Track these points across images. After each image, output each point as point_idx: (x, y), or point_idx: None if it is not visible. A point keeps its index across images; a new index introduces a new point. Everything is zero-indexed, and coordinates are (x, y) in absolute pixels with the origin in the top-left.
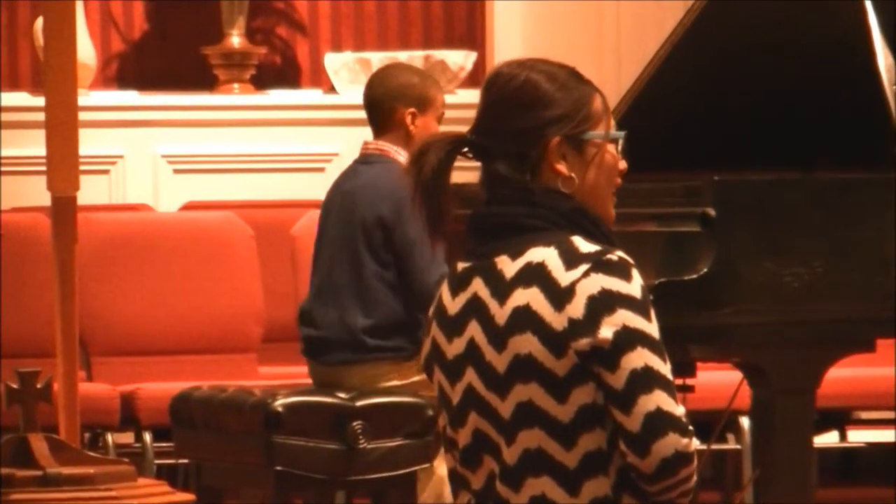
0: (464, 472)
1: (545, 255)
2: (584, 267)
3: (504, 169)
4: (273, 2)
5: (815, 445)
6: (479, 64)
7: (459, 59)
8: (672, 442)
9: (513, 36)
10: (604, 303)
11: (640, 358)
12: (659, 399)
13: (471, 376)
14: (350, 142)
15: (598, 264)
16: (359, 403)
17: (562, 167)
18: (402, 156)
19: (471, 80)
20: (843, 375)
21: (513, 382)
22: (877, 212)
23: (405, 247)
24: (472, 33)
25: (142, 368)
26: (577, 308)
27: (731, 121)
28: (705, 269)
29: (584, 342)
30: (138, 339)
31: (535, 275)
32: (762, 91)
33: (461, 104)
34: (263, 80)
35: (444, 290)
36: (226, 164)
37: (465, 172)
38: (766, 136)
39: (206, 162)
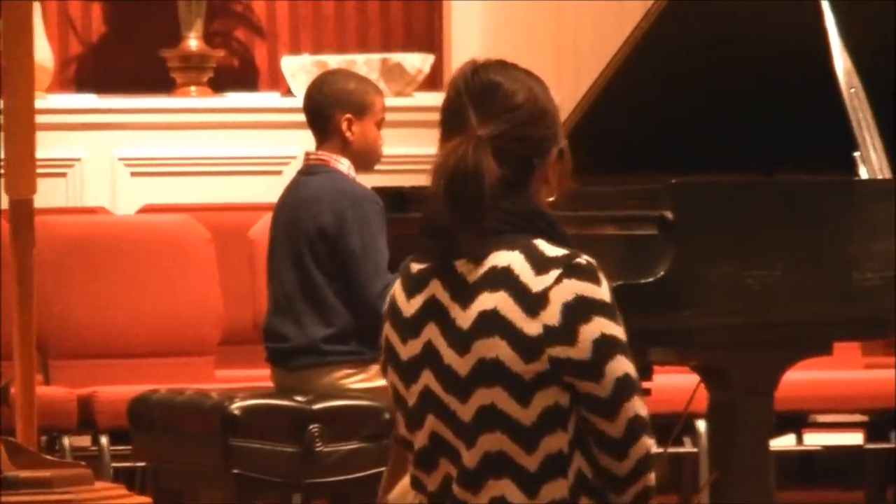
0: (419, 473)
1: (510, 258)
2: (555, 272)
3: (504, 176)
4: (231, 4)
5: (772, 448)
6: (437, 67)
7: (417, 62)
8: (646, 444)
9: (471, 39)
10: (580, 310)
11: (620, 366)
12: (637, 404)
13: (428, 378)
14: (307, 145)
15: (570, 269)
16: (316, 406)
17: (553, 177)
18: (341, 164)
19: (429, 83)
20: (801, 378)
21: (475, 386)
22: (836, 215)
23: (347, 258)
24: (430, 36)
25: (99, 371)
26: (552, 315)
27: (691, 124)
28: (663, 273)
29: (560, 350)
30: (96, 342)
31: (502, 279)
32: (721, 94)
33: (419, 107)
34: (221, 82)
35: (399, 292)
36: (183, 166)
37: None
38: (725, 140)
39: (163, 165)
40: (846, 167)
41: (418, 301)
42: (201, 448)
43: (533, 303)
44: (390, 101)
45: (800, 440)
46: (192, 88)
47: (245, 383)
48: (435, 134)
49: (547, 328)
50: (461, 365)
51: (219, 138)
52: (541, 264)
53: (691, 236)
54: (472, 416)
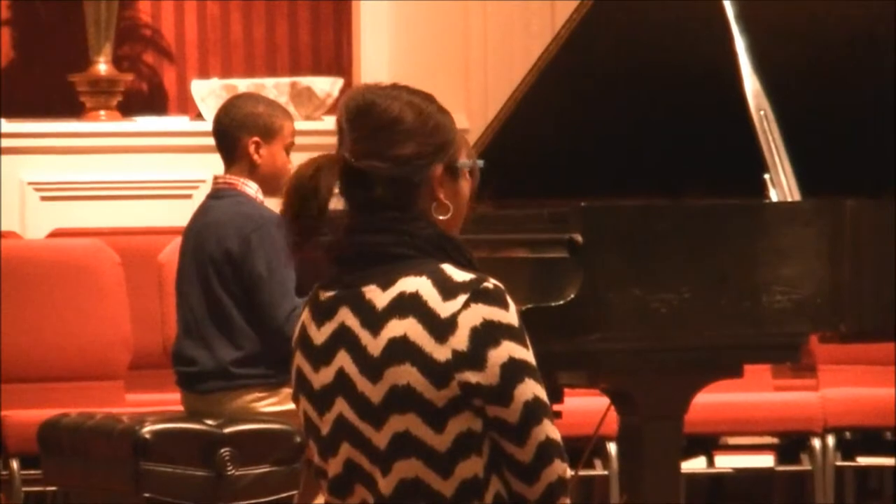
0: (334, 501)
1: (418, 284)
2: (462, 297)
3: (383, 196)
4: (140, 29)
5: (683, 471)
6: (347, 90)
7: (326, 86)
8: (558, 469)
9: (380, 62)
10: (488, 335)
11: (528, 389)
12: (547, 428)
13: (341, 406)
14: (217, 169)
15: (477, 294)
16: (227, 430)
17: (442, 195)
18: (248, 187)
19: (338, 107)
20: (711, 401)
21: (389, 413)
22: (744, 238)
23: (253, 281)
24: (338, 60)
25: (8, 395)
26: (460, 340)
27: (600, 147)
28: (573, 296)
29: (469, 375)
30: (5, 366)
31: (411, 305)
32: (631, 117)
33: (328, 131)
34: (130, 106)
35: (308, 320)
36: (93, 190)
37: None
38: (635, 163)
39: (73, 189)
40: (754, 190)
41: (328, 329)
42: (112, 472)
43: (442, 328)
44: (300, 125)
45: (710, 463)
46: (102, 112)
47: (155, 407)
48: None
49: (456, 353)
50: (374, 392)
51: (128, 162)
52: (448, 290)
53: (599, 260)
54: (387, 443)
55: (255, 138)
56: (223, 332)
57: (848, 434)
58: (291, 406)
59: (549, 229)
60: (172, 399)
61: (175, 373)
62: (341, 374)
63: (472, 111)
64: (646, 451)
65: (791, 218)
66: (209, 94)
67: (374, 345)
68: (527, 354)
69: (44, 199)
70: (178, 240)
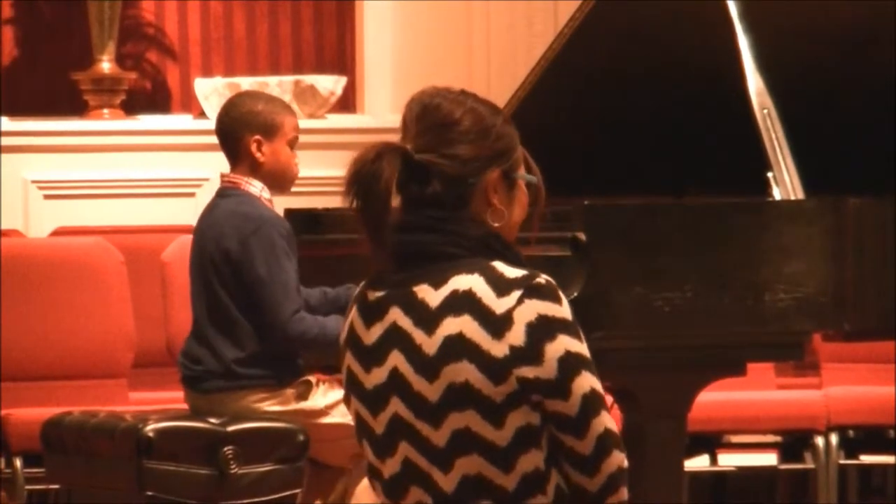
0: (388, 502)
1: (471, 282)
2: (516, 293)
3: (437, 193)
4: (143, 27)
5: (686, 469)
6: (350, 89)
7: (329, 84)
8: (617, 459)
9: (382, 61)
10: (543, 330)
11: (585, 382)
12: (605, 419)
13: (396, 406)
14: (221, 167)
15: (530, 289)
16: (230, 428)
17: (496, 200)
18: (252, 186)
19: (341, 105)
20: (714, 399)
21: (447, 411)
22: (747, 236)
23: (255, 284)
24: (342, 58)
25: (12, 394)
26: (516, 336)
27: (603, 145)
28: (575, 294)
29: (526, 370)
30: (8, 365)
31: (465, 303)
32: (634, 115)
33: (332, 129)
34: (134, 105)
35: (357, 320)
36: (96, 189)
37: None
38: (638, 161)
39: (76, 187)
40: (757, 189)
41: (378, 329)
42: (115, 470)
43: (497, 325)
44: (303, 124)
45: (714, 461)
46: (105, 111)
47: (158, 405)
48: (347, 155)
49: (513, 349)
50: (431, 391)
51: (131, 161)
52: (502, 286)
53: (603, 258)
54: (447, 440)
55: (257, 136)
56: (224, 331)
57: (851, 432)
58: (294, 406)
59: (552, 227)
60: (175, 397)
61: (179, 370)
62: (395, 374)
63: None
64: (649, 449)
65: (794, 216)
66: (212, 92)
67: (429, 343)
68: (581, 347)
69: (47, 197)
70: (182, 238)
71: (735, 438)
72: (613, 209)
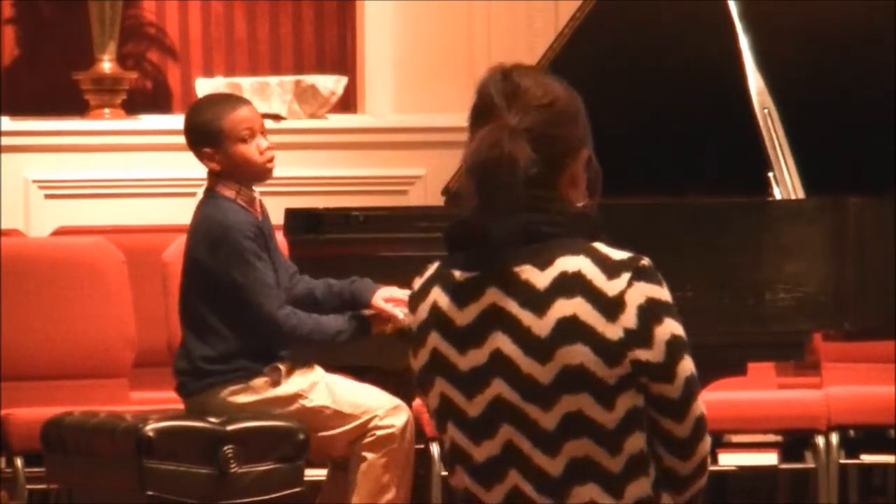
0: (476, 487)
1: (579, 264)
2: (626, 276)
3: (538, 173)
4: (144, 27)
5: None
6: (350, 89)
7: (330, 84)
8: (708, 444)
9: (383, 61)
10: (652, 313)
11: (688, 366)
12: (700, 404)
13: (500, 388)
14: None
15: (638, 272)
16: (230, 428)
17: (581, 181)
18: (227, 188)
19: (342, 105)
20: (715, 399)
21: (560, 393)
22: (748, 236)
23: (233, 290)
24: (343, 58)
25: (12, 393)
26: (629, 318)
27: (604, 145)
28: None
29: (639, 353)
30: (9, 364)
31: (575, 285)
32: (635, 115)
33: (332, 129)
34: (135, 104)
35: (444, 301)
36: (97, 188)
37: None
38: (639, 161)
39: (77, 187)
40: (758, 189)
41: (474, 309)
42: (115, 470)
43: (611, 307)
44: (304, 124)
45: (714, 460)
46: (106, 111)
47: (159, 405)
48: (348, 155)
49: (627, 332)
50: (542, 373)
51: (132, 160)
52: (610, 268)
53: None
54: (557, 423)
55: (205, 149)
56: (197, 334)
57: (852, 432)
58: (268, 394)
59: None
60: (176, 397)
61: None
62: (498, 356)
63: None
64: None
65: (795, 216)
66: (213, 92)
67: (540, 325)
68: (682, 331)
69: (48, 197)
70: (183, 238)
71: (736, 438)
72: (616, 209)
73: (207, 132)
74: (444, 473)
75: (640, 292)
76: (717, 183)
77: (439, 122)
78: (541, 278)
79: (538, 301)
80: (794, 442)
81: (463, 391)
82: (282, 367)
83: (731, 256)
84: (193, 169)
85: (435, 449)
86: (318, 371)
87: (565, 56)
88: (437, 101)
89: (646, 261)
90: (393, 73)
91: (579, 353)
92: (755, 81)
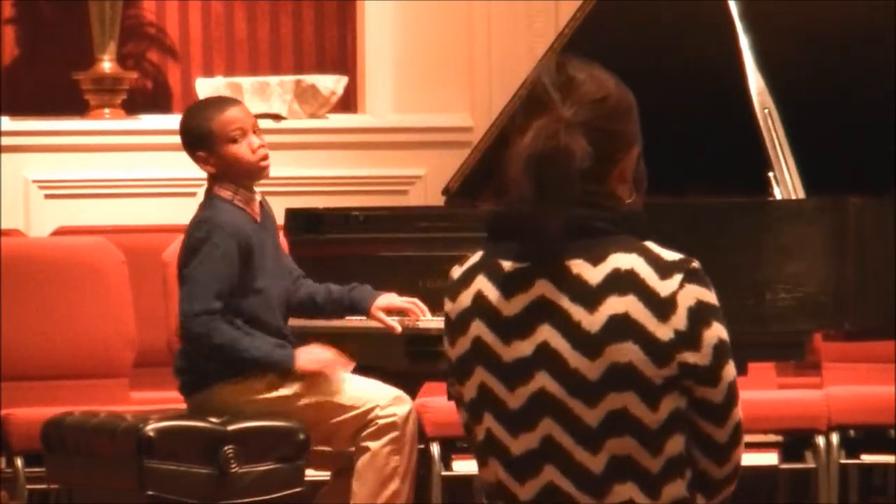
0: (510, 481)
1: (632, 262)
2: (678, 277)
3: (591, 168)
4: (144, 27)
5: None
6: (351, 88)
7: (330, 84)
8: (742, 450)
9: (384, 61)
10: (701, 315)
11: (731, 370)
12: (740, 409)
13: (544, 380)
14: None
15: (689, 274)
16: (230, 428)
17: (630, 177)
18: (224, 188)
19: (342, 105)
20: None
21: (607, 390)
22: (749, 236)
23: (181, 277)
24: (343, 58)
25: (12, 393)
26: (680, 320)
27: None
28: None
29: (688, 355)
30: (9, 364)
31: (628, 283)
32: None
33: (333, 129)
34: (135, 104)
35: (489, 289)
36: (97, 188)
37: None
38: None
39: (77, 187)
40: (758, 189)
41: (522, 300)
42: (116, 470)
43: (663, 308)
44: (304, 123)
45: None
46: (106, 110)
47: (159, 405)
48: (348, 155)
49: (677, 333)
50: (590, 369)
51: (132, 160)
52: (662, 268)
53: None
54: (601, 420)
55: (199, 153)
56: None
57: (852, 432)
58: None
59: None
60: (176, 397)
61: None
62: (545, 348)
63: (475, 109)
64: None
65: (795, 216)
66: (213, 92)
67: (591, 321)
68: (727, 334)
69: (48, 196)
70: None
71: None
72: None
73: (199, 135)
74: (445, 473)
75: (691, 294)
76: (717, 183)
77: (439, 122)
78: (593, 274)
79: (590, 296)
80: (795, 442)
81: (505, 382)
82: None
83: (731, 256)
84: (193, 169)
85: (435, 449)
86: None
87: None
88: (437, 101)
89: (696, 263)
90: (393, 73)
91: (629, 352)
92: (755, 81)
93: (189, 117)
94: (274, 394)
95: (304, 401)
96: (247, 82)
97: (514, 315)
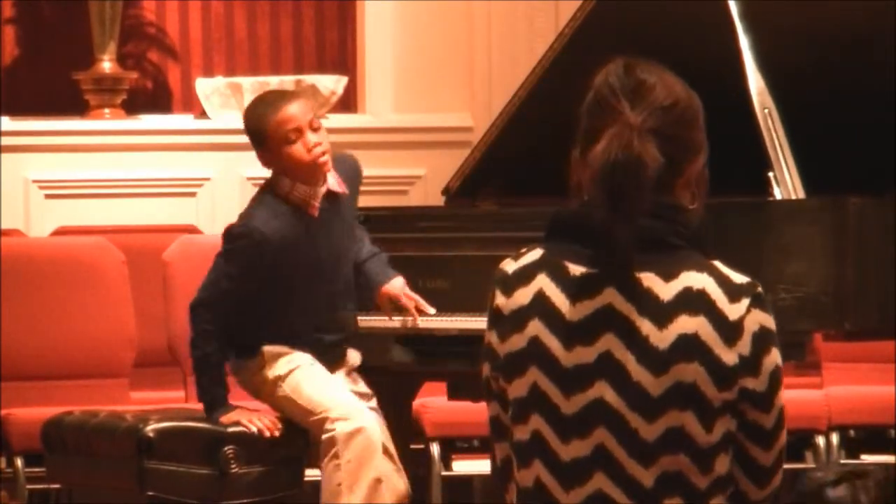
0: (554, 485)
1: (703, 282)
2: (746, 301)
3: (653, 177)
4: (144, 27)
5: None
6: (351, 88)
7: (331, 84)
8: (781, 475)
9: (384, 60)
10: (763, 342)
11: (782, 397)
12: (785, 435)
13: (604, 390)
14: (221, 166)
15: (755, 299)
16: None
17: (696, 187)
18: (282, 183)
19: (342, 105)
20: None
21: (667, 407)
22: (749, 236)
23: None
24: (343, 58)
25: (12, 393)
26: (745, 345)
27: None
28: None
29: (749, 381)
30: (9, 364)
31: (699, 303)
32: None
33: (333, 129)
34: (135, 104)
35: (553, 290)
36: (97, 188)
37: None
38: None
39: (77, 187)
40: (759, 188)
41: (588, 306)
42: (116, 470)
43: (730, 331)
44: None
45: None
46: (106, 110)
47: (159, 405)
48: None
49: (742, 358)
50: (654, 385)
51: (132, 160)
52: (732, 291)
53: None
54: (658, 436)
55: (259, 152)
56: None
57: (852, 432)
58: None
59: None
60: (176, 397)
61: None
62: (608, 358)
63: (475, 109)
64: None
65: (795, 216)
66: (213, 91)
67: (660, 337)
68: (781, 361)
69: (48, 196)
70: (183, 238)
71: None
72: None
73: (256, 135)
74: (445, 473)
75: (756, 320)
76: (717, 183)
77: (439, 122)
78: (665, 290)
79: (660, 312)
80: (795, 442)
81: (561, 387)
82: (273, 349)
83: (731, 256)
84: (193, 169)
85: (435, 449)
86: (301, 357)
87: (565, 56)
88: (437, 101)
89: (760, 287)
90: (393, 73)
91: (695, 372)
92: (755, 81)
93: (247, 116)
94: (262, 373)
95: (279, 391)
96: (247, 82)
97: (578, 320)
